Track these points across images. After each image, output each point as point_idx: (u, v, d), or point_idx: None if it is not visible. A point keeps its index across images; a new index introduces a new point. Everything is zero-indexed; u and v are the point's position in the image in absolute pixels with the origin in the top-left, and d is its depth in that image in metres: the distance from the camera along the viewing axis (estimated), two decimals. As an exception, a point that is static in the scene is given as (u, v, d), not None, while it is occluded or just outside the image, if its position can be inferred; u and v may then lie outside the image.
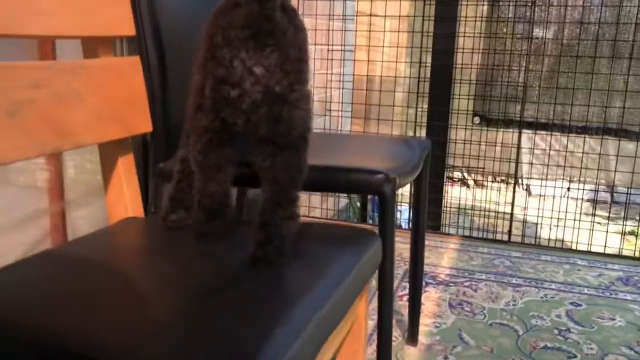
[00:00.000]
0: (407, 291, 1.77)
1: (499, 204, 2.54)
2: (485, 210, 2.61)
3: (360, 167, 1.06)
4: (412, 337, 1.55)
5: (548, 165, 2.40)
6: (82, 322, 0.63)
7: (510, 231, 2.44)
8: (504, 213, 2.49)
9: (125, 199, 1.04)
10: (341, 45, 2.54)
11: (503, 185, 3.51)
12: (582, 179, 2.39)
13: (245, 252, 0.84)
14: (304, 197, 2.63)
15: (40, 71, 0.85)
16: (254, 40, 0.72)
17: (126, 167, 1.04)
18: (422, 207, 1.44)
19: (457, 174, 4.01)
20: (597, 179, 2.35)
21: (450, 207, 2.61)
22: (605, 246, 2.37)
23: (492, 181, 3.43)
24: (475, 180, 4.37)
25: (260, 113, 0.74)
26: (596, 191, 3.30)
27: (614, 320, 1.72)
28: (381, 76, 2.53)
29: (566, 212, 2.45)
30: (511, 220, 2.45)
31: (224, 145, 0.80)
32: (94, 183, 1.62)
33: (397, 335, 1.60)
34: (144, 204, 1.11)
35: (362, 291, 0.95)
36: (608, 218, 3.54)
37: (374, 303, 1.21)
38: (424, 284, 1.95)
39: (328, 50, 2.57)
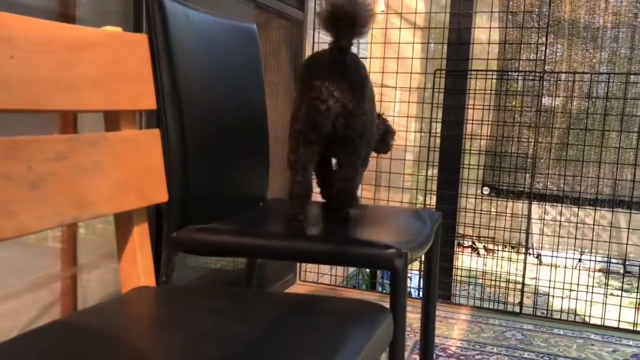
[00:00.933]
0: (417, 364, 1.73)
1: (509, 274, 2.51)
2: (496, 280, 2.59)
3: (372, 240, 1.07)
4: (422, 413, 1.51)
5: (559, 236, 2.39)
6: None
7: (521, 302, 2.41)
8: (515, 283, 2.47)
9: (138, 267, 1.05)
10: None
11: (514, 255, 3.48)
12: (593, 250, 2.37)
13: (254, 328, 0.84)
14: (312, 265, 2.61)
15: (64, 144, 0.88)
16: (334, 74, 1.13)
17: (141, 236, 1.06)
18: (432, 278, 1.44)
19: (470, 244, 3.99)
20: (609, 250, 2.34)
21: (461, 277, 2.59)
22: (619, 320, 2.33)
23: (503, 249, 3.41)
24: (485, 248, 4.35)
25: (339, 121, 1.14)
26: (608, 262, 3.27)
27: (630, 400, 1.68)
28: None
29: (578, 283, 2.42)
30: (522, 291, 2.42)
31: (312, 144, 1.15)
32: (104, 245, 1.64)
33: (407, 410, 1.57)
34: (155, 273, 1.12)
35: (372, 369, 0.94)
36: (622, 289, 3.50)
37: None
38: (434, 356, 1.91)
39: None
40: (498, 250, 3.67)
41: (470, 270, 2.65)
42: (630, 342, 2.13)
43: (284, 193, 2.32)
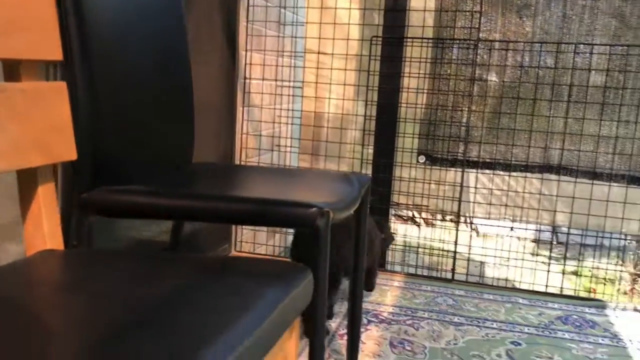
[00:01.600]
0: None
1: (444, 242, 2.55)
2: (431, 249, 2.62)
3: (293, 200, 1.04)
4: (350, 377, 1.51)
5: (491, 204, 2.43)
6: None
7: (453, 269, 2.45)
8: (449, 252, 2.50)
9: (44, 230, 0.99)
10: (289, 81, 2.55)
11: (450, 224, 3.54)
12: (524, 218, 2.43)
13: (163, 290, 0.80)
14: (249, 233, 2.58)
15: (-49, 92, 0.80)
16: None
17: (47, 196, 0.99)
18: (361, 243, 1.42)
19: (406, 213, 4.04)
20: (538, 218, 2.39)
21: (396, 245, 2.61)
22: (547, 285, 2.40)
23: (441, 220, 3.46)
24: (425, 219, 4.42)
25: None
26: (539, 231, 3.37)
27: (552, 359, 1.73)
28: (329, 113, 2.54)
29: (510, 251, 2.48)
30: (454, 258, 2.46)
31: None
32: (12, 213, 1.54)
33: (336, 375, 1.56)
34: (68, 237, 1.06)
35: (289, 328, 0.92)
36: (549, 258, 3.62)
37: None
38: (365, 322, 1.92)
39: (277, 86, 2.57)
40: (435, 222, 3.72)
41: (405, 237, 2.67)
42: (556, 306, 2.20)
43: (214, 158, 2.26)
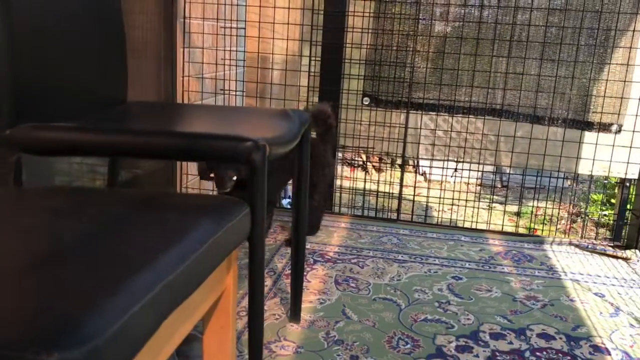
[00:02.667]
0: (293, 269, 1.74)
1: (390, 184, 2.57)
2: (377, 192, 2.64)
3: (228, 134, 1.01)
4: (294, 314, 1.52)
5: (434, 145, 2.46)
6: None
7: (399, 210, 2.49)
8: (395, 194, 2.53)
9: (-37, 168, 0.93)
10: (232, 20, 2.47)
11: (396, 166, 3.58)
12: (467, 159, 2.46)
13: (89, 223, 0.77)
14: (194, 179, 2.51)
15: None
16: None
17: (-36, 132, 0.93)
18: (303, 180, 1.41)
19: (352, 156, 4.05)
20: (480, 158, 2.44)
21: (343, 188, 2.62)
22: (488, 223, 2.47)
23: (390, 166, 3.49)
24: (373, 165, 4.45)
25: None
26: (482, 172, 3.44)
27: (491, 292, 1.79)
28: (272, 54, 2.48)
29: (453, 195, 2.52)
30: (400, 199, 2.49)
31: None
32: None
33: (281, 313, 1.58)
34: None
35: (227, 261, 0.91)
36: (491, 200, 3.71)
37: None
38: (312, 261, 1.93)
39: (219, 27, 2.48)
40: (383, 168, 3.75)
41: (352, 181, 2.68)
42: (497, 242, 2.27)
43: (153, 100, 2.19)
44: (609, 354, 1.45)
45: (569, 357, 1.43)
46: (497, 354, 1.42)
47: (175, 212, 0.86)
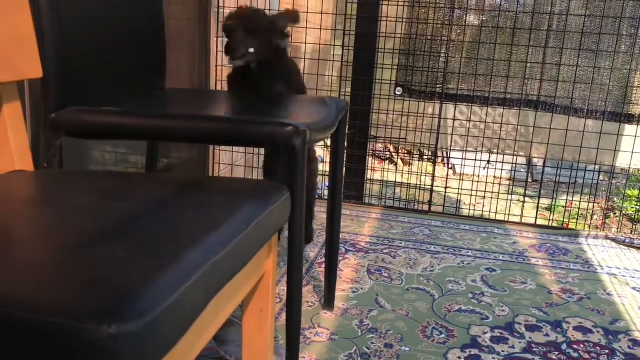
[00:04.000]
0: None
1: (422, 175, 2.56)
2: (408, 184, 2.63)
3: (270, 120, 1.01)
4: (328, 302, 1.53)
5: (468, 136, 2.43)
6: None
7: (430, 201, 2.47)
8: (426, 186, 2.52)
9: (11, 150, 0.95)
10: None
11: (427, 159, 3.56)
12: (501, 151, 2.44)
13: (138, 204, 0.78)
14: (227, 169, 2.53)
15: None
16: None
17: (13, 115, 0.95)
18: (339, 167, 1.41)
19: (383, 153, 4.04)
20: (514, 150, 2.40)
21: (373, 180, 2.61)
22: (521, 216, 2.44)
23: (419, 159, 3.47)
24: (402, 159, 4.43)
25: None
26: (514, 164, 3.40)
27: (526, 284, 1.77)
28: (306, 44, 2.48)
29: (485, 189, 2.50)
30: (432, 191, 2.47)
31: None
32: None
33: (315, 300, 1.58)
34: (38, 158, 1.03)
35: (266, 244, 0.91)
36: (524, 195, 3.67)
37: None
38: (344, 251, 1.93)
39: (252, 17, 2.49)
40: (413, 159, 3.72)
41: (383, 172, 2.67)
42: (530, 235, 2.24)
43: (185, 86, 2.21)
44: (649, 349, 1.42)
45: (607, 351, 1.40)
46: (533, 345, 1.41)
47: (219, 194, 0.86)
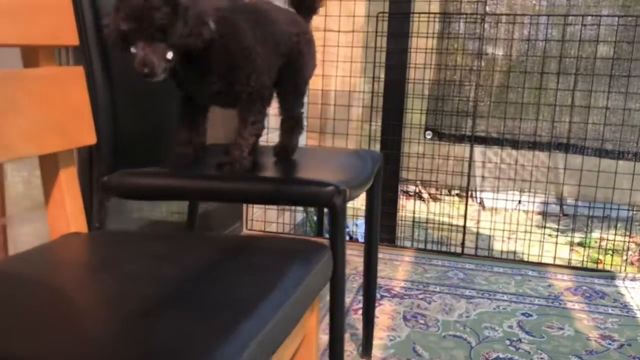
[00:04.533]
0: (362, 305, 1.76)
1: (452, 217, 2.57)
2: (439, 224, 2.64)
3: (311, 179, 1.05)
4: (365, 351, 1.54)
5: (499, 178, 2.45)
6: (20, 341, 0.60)
7: (463, 243, 2.47)
8: (458, 226, 2.52)
9: (67, 213, 1.00)
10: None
11: (457, 199, 3.56)
12: (532, 191, 2.44)
13: (190, 269, 0.82)
14: (259, 212, 2.59)
15: (-25, 80, 0.81)
16: None
17: (68, 180, 1.01)
18: (374, 219, 1.44)
19: (411, 188, 4.06)
20: (546, 190, 2.41)
21: (405, 221, 2.63)
22: (555, 257, 2.43)
23: (447, 194, 3.48)
24: (430, 194, 4.44)
25: None
26: (546, 204, 3.38)
27: (563, 330, 1.75)
28: (336, 90, 2.54)
29: (518, 224, 2.50)
30: (464, 233, 2.48)
31: None
32: (38, 199, 1.57)
33: (352, 349, 1.59)
34: (88, 219, 1.08)
35: (311, 305, 0.94)
36: (557, 230, 3.63)
37: (328, 318, 1.19)
38: (378, 297, 1.95)
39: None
40: (441, 198, 3.74)
41: (414, 214, 2.68)
42: (565, 277, 2.22)
43: (225, 141, 2.27)
44: (694, 399, 1.40)
45: (651, 402, 1.38)
46: (575, 396, 1.40)
47: (264, 255, 0.89)
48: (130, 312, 0.69)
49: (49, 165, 0.99)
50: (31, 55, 0.95)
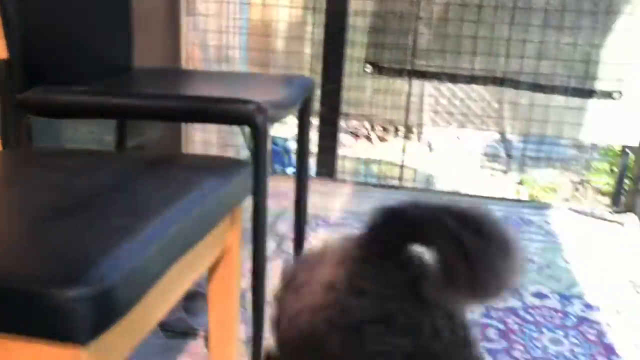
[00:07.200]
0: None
1: (393, 153, 2.61)
2: (380, 161, 2.68)
3: (233, 97, 1.05)
4: (297, 274, 1.58)
5: (437, 112, 2.49)
6: None
7: (401, 177, 2.52)
8: (400, 165, 2.57)
9: (-22, 130, 0.98)
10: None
11: (400, 135, 3.61)
12: (472, 127, 2.49)
13: (103, 181, 0.81)
14: (200, 146, 2.54)
15: None
16: None
17: (-21, 95, 0.98)
18: (305, 144, 1.45)
19: (361, 131, 4.08)
20: (483, 125, 2.46)
21: (348, 157, 2.66)
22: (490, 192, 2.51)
23: (395, 133, 3.52)
24: (379, 137, 4.48)
25: None
26: (487, 143, 3.46)
27: (489, 254, 1.83)
28: (277, 21, 2.50)
29: (458, 160, 2.56)
30: (402, 166, 2.53)
31: None
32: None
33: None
34: (5, 138, 1.05)
35: (230, 217, 0.95)
36: (498, 170, 3.74)
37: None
38: (314, 225, 1.98)
39: (223, -6, 2.49)
40: (389, 135, 3.77)
41: (356, 150, 2.71)
42: (497, 208, 2.31)
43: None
44: (599, 311, 1.50)
45: (560, 314, 1.48)
46: (491, 309, 1.48)
47: (183, 170, 0.90)
48: (36, 218, 0.69)
49: (-44, 79, 0.96)
50: None
